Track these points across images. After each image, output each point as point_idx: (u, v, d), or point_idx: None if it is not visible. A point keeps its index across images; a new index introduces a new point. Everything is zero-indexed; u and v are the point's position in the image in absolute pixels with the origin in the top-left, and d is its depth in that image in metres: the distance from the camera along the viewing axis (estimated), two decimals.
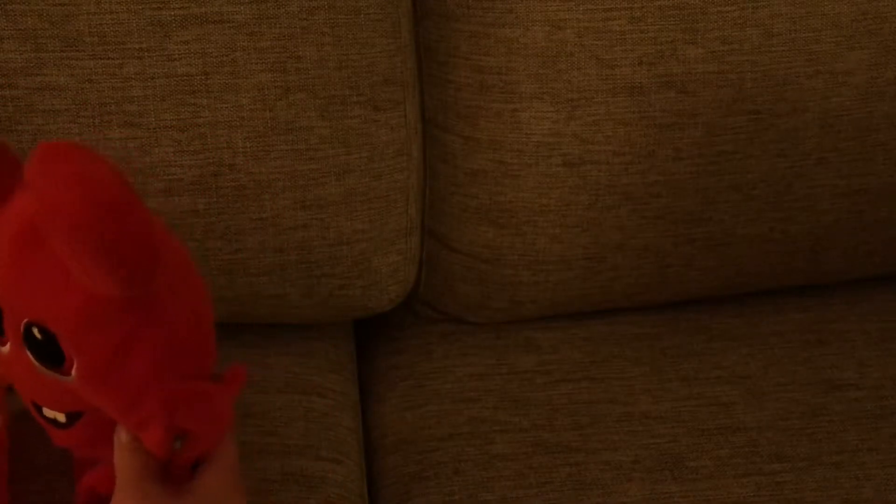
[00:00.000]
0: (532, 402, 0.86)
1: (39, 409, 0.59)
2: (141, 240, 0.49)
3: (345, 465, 0.80)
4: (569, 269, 0.92)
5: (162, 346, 0.54)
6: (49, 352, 0.54)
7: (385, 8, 0.81)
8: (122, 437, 0.57)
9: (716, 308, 0.98)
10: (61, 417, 0.59)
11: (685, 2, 0.83)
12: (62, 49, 0.75)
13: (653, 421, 0.84)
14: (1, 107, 0.76)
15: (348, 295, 0.88)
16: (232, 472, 0.59)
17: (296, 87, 0.79)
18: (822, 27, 0.85)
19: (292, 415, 0.83)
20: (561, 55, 0.84)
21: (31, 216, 0.52)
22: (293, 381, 0.87)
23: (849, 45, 0.86)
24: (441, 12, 0.86)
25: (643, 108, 0.85)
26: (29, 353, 0.55)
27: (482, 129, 0.87)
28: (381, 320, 0.98)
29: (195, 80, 0.77)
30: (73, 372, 0.54)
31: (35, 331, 0.53)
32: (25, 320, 0.54)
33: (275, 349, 0.90)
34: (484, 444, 0.81)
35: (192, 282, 0.58)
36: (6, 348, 0.56)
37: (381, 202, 0.85)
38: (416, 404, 0.88)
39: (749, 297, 0.99)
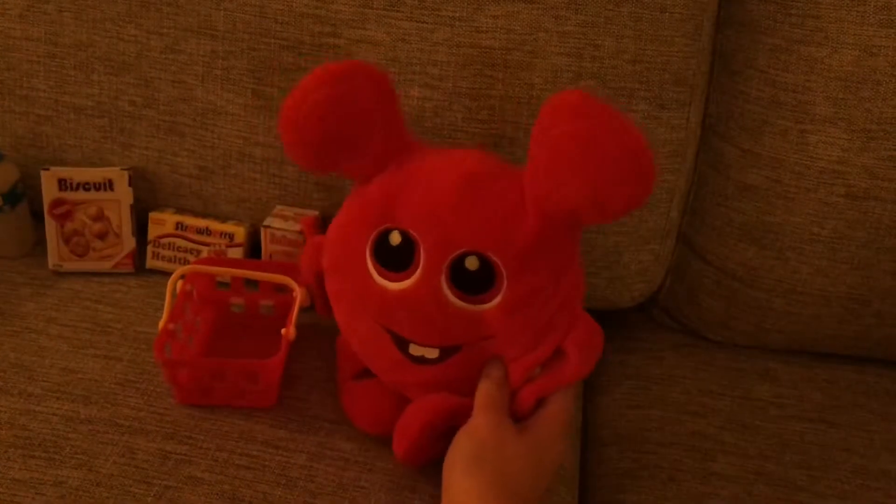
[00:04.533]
0: (761, 432, 0.83)
1: (405, 347, 0.66)
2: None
3: None
4: (827, 306, 0.88)
5: (576, 288, 0.66)
6: (477, 281, 0.63)
7: (690, 9, 0.81)
8: (494, 372, 0.66)
9: None
10: (432, 353, 0.66)
11: None
12: (385, 8, 0.82)
13: (891, 482, 0.79)
14: (324, 52, 0.84)
15: (593, 284, 0.90)
16: (564, 419, 0.66)
17: (588, 74, 0.81)
18: None
19: None
20: (867, 82, 0.80)
21: (474, 166, 0.64)
22: None
23: None
24: (745, 22, 0.85)
25: None
26: (446, 283, 0.63)
27: (765, 144, 0.84)
28: (615, 316, 0.98)
29: (496, 54, 0.82)
30: (497, 299, 0.63)
31: (472, 259, 0.62)
32: (461, 251, 0.62)
33: None
34: (704, 460, 0.79)
35: None
36: (408, 282, 0.64)
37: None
38: (639, 405, 0.87)
39: None
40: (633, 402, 0.88)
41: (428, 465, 0.69)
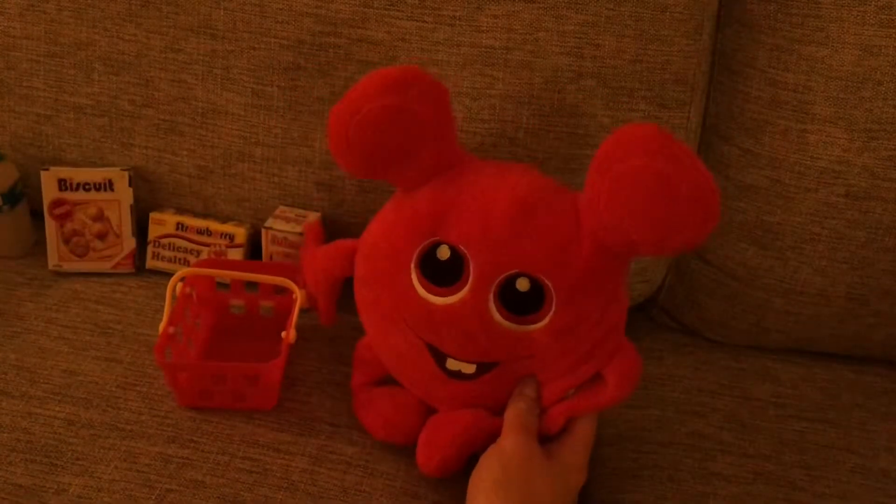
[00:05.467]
0: (761, 431, 0.83)
1: (443, 361, 0.66)
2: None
3: None
4: (827, 306, 0.88)
5: (621, 317, 0.66)
6: (526, 302, 0.63)
7: (691, 9, 0.81)
8: (527, 391, 0.66)
9: None
10: (469, 369, 0.66)
11: None
12: (385, 7, 0.82)
13: (891, 481, 0.79)
14: (323, 52, 0.84)
15: None
16: (585, 449, 0.67)
17: (588, 73, 0.81)
18: None
19: None
20: (868, 82, 0.80)
21: (531, 187, 0.63)
22: None
23: None
24: (745, 21, 0.84)
25: None
26: (493, 302, 0.63)
27: (765, 144, 0.84)
28: None
29: (496, 54, 0.81)
30: (544, 321, 0.63)
31: (524, 280, 0.62)
32: (513, 271, 0.62)
33: None
34: (704, 460, 0.79)
35: None
36: (454, 297, 0.64)
37: None
38: (638, 405, 0.87)
39: None
40: (632, 402, 0.88)
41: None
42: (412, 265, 0.65)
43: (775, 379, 0.91)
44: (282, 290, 0.82)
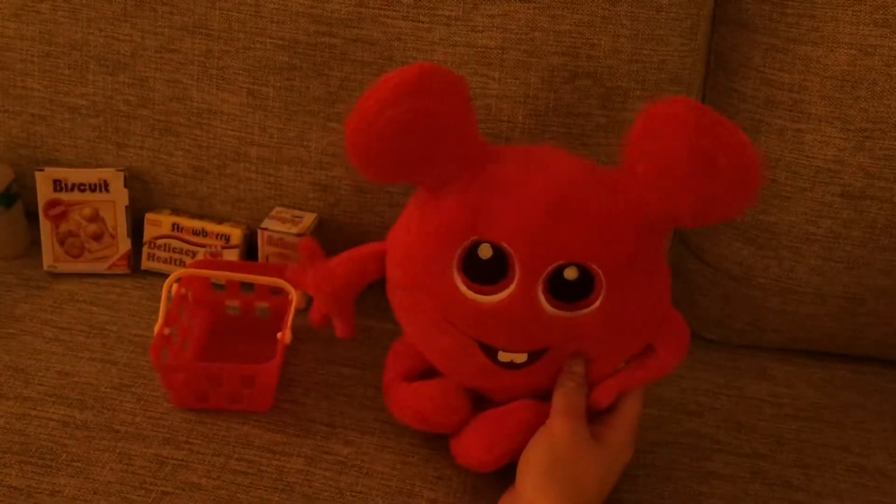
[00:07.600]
0: (757, 430, 0.83)
1: (494, 355, 0.65)
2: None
3: None
4: (823, 305, 0.88)
5: (665, 286, 0.65)
6: (574, 289, 0.62)
7: (686, 9, 0.81)
8: (576, 368, 0.66)
9: None
10: (520, 358, 0.65)
11: None
12: (381, 7, 0.82)
13: (887, 480, 0.79)
14: (318, 52, 0.84)
15: None
16: (633, 428, 0.68)
17: (584, 73, 0.81)
18: None
19: None
20: (863, 82, 0.80)
21: (565, 174, 0.62)
22: None
23: None
24: (740, 21, 0.84)
25: None
26: (542, 294, 0.62)
27: (761, 143, 0.84)
28: None
29: (492, 54, 0.81)
30: (595, 305, 0.62)
31: (572, 269, 0.61)
32: (559, 262, 0.61)
33: None
34: (700, 459, 0.79)
35: None
36: (502, 294, 0.62)
37: None
38: None
39: None
40: None
41: (428, 468, 0.69)
42: (454, 268, 0.63)
43: (771, 378, 0.91)
44: (277, 291, 0.82)
